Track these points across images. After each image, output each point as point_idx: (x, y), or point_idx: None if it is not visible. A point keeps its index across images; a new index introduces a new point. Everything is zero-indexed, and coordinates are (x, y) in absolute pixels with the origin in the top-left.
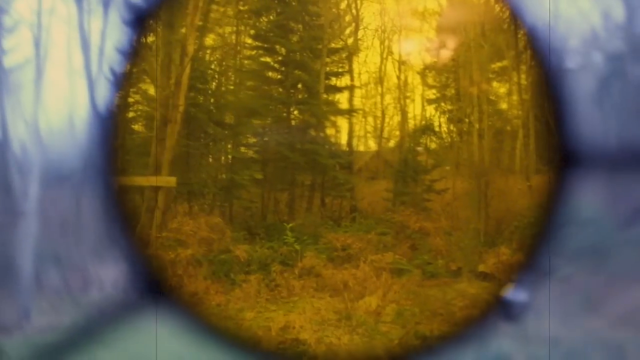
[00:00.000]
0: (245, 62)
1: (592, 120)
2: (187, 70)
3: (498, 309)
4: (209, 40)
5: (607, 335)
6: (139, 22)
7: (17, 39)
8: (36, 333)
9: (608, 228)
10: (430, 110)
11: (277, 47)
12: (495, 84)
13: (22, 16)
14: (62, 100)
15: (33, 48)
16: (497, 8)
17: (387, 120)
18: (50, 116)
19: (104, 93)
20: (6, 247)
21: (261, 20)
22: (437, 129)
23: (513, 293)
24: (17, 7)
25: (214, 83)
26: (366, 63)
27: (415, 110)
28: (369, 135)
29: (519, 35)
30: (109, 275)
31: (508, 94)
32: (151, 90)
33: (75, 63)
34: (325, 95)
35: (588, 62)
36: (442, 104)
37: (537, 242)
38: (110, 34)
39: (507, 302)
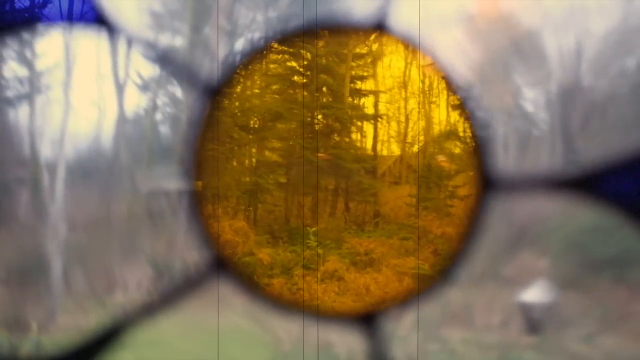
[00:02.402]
0: (272, 66)
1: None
2: (215, 73)
3: (519, 315)
4: (238, 44)
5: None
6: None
7: (48, 43)
8: (61, 333)
9: None
10: (455, 116)
11: (303, 51)
12: None
13: (53, 21)
14: (90, 103)
15: (63, 52)
16: None
17: (410, 125)
18: (78, 118)
19: (132, 96)
20: (35, 248)
21: (289, 25)
22: (461, 134)
23: (533, 298)
24: (48, 12)
25: (239, 86)
26: (390, 67)
27: (440, 115)
28: (392, 140)
29: None
30: (134, 277)
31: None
32: (178, 93)
33: (103, 67)
34: (350, 99)
35: None
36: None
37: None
38: (138, 38)
39: (527, 307)
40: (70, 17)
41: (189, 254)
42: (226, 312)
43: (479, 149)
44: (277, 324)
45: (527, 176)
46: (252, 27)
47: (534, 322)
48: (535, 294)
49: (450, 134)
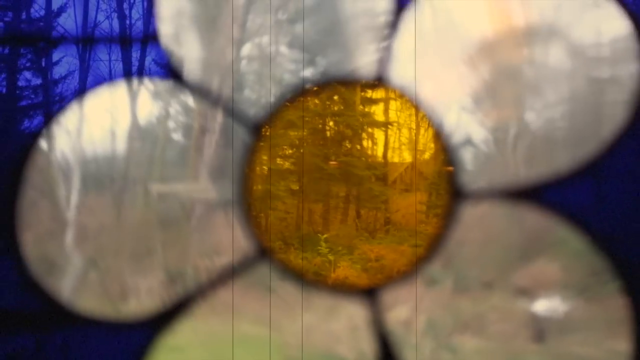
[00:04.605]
0: (286, 76)
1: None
2: (226, 80)
3: (529, 325)
4: (246, 49)
5: None
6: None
7: (62, 51)
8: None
9: None
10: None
11: (317, 58)
12: None
13: (67, 30)
14: (104, 112)
15: (77, 60)
16: None
17: (422, 132)
18: (91, 127)
19: (144, 104)
20: (52, 254)
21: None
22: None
23: (542, 308)
24: (62, 21)
25: (252, 94)
26: None
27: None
28: (403, 147)
29: None
30: (145, 284)
31: None
32: (190, 101)
33: (116, 75)
34: (361, 107)
35: None
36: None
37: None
38: (151, 47)
39: (537, 318)
40: (85, 26)
41: (201, 260)
42: (237, 319)
43: (449, 161)
44: (288, 328)
45: (489, 188)
46: (260, 31)
47: (542, 331)
48: (544, 304)
49: (465, 142)
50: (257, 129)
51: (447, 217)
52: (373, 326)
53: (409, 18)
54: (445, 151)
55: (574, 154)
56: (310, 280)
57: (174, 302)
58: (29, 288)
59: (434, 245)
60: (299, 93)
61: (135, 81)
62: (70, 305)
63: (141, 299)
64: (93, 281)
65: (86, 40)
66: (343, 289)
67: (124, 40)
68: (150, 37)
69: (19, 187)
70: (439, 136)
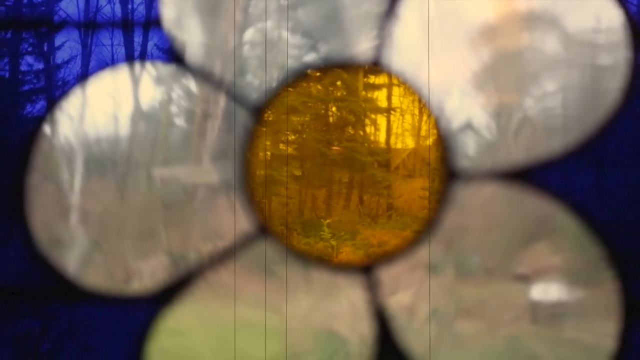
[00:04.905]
0: (290, 61)
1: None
2: (229, 65)
3: (529, 310)
4: (249, 34)
5: None
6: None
7: (64, 36)
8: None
9: None
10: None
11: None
12: None
13: (69, 14)
14: (106, 96)
15: (79, 45)
16: None
17: (424, 118)
18: (94, 111)
19: (147, 89)
20: (57, 240)
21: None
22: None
23: (544, 293)
24: (64, 5)
25: (254, 79)
26: None
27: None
28: (406, 133)
29: None
30: (148, 267)
31: None
32: (192, 86)
33: (118, 59)
34: (364, 93)
35: None
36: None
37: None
38: (153, 32)
39: (538, 303)
40: (87, 11)
41: (204, 244)
42: (237, 303)
43: (444, 144)
44: (289, 312)
45: (480, 169)
46: (263, 16)
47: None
48: (544, 290)
49: (465, 126)
50: (258, 113)
51: (442, 201)
52: (372, 306)
53: (409, 4)
54: (443, 136)
55: (574, 139)
56: (313, 262)
57: (175, 282)
58: (38, 266)
59: (428, 227)
60: (300, 78)
61: (137, 66)
62: (77, 281)
63: (144, 281)
64: (97, 263)
65: (88, 25)
66: (343, 268)
67: (126, 25)
68: (152, 21)
69: (24, 171)
70: (437, 121)
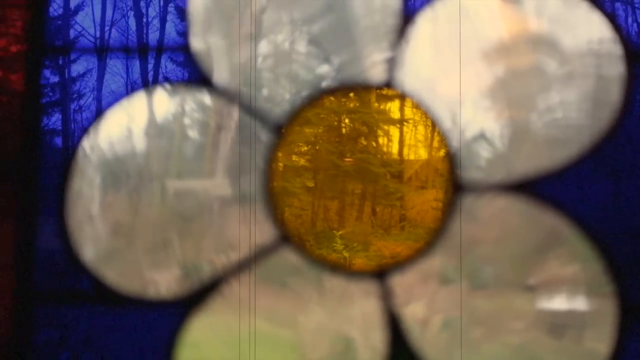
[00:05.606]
0: (301, 72)
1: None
2: (240, 77)
3: (545, 322)
4: (261, 47)
5: None
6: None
7: (80, 50)
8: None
9: None
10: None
11: (332, 56)
12: None
13: (85, 28)
14: (120, 108)
15: (94, 58)
16: None
17: (437, 129)
18: (109, 123)
19: (161, 101)
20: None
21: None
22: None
23: (557, 304)
24: (80, 19)
25: (267, 90)
26: None
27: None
28: (419, 144)
29: None
30: (163, 278)
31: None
32: (206, 98)
33: (133, 73)
34: (376, 104)
35: None
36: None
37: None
38: (167, 45)
39: (553, 314)
40: (102, 24)
41: (217, 256)
42: (249, 315)
43: (451, 158)
44: (303, 324)
45: (488, 182)
46: (275, 29)
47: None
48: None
49: (478, 137)
50: (276, 127)
51: (448, 211)
52: (384, 312)
53: (422, 20)
54: (449, 149)
55: (585, 150)
56: (328, 270)
57: (189, 294)
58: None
59: (436, 237)
60: (318, 92)
61: (151, 79)
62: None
63: (159, 292)
64: (116, 273)
65: (103, 39)
66: (356, 275)
67: (141, 38)
68: (166, 35)
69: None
70: (444, 135)
